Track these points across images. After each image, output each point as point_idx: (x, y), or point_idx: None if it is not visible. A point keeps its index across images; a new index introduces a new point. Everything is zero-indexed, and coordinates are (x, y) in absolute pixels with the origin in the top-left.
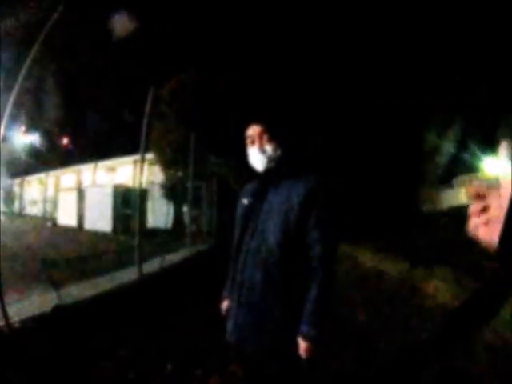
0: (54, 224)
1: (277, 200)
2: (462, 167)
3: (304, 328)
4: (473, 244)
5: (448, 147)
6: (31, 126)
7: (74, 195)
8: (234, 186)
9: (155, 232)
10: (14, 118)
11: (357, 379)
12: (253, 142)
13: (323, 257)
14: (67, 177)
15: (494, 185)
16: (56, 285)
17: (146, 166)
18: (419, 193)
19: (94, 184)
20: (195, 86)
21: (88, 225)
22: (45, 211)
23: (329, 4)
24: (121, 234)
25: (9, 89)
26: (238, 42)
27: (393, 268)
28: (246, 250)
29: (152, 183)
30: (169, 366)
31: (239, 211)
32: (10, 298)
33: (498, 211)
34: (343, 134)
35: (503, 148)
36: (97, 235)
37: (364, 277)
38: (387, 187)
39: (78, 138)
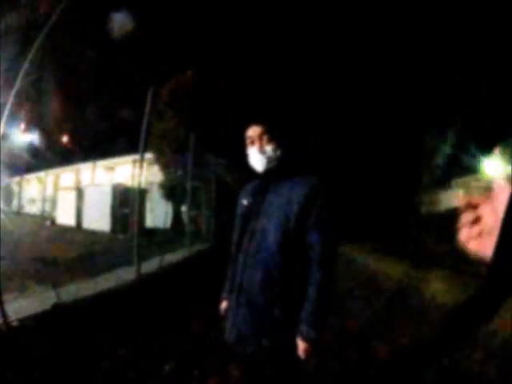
0: (53, 223)
1: (277, 200)
2: (460, 169)
3: (303, 329)
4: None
5: (447, 148)
6: (31, 125)
7: (72, 194)
8: (233, 186)
9: (154, 232)
10: (13, 117)
11: (357, 379)
12: (253, 143)
13: (323, 257)
14: (66, 175)
15: (486, 193)
16: (54, 284)
17: (145, 166)
18: (418, 194)
19: (92, 183)
20: (195, 86)
21: (87, 224)
22: (43, 210)
23: (328, 4)
24: (119, 234)
25: (9, 87)
26: (237, 43)
27: (392, 269)
28: (245, 250)
29: (151, 183)
30: (167, 367)
31: (239, 211)
32: (8, 296)
33: (491, 221)
34: (343, 134)
35: (498, 151)
36: (95, 234)
37: (362, 278)
38: (386, 188)
39: (78, 137)
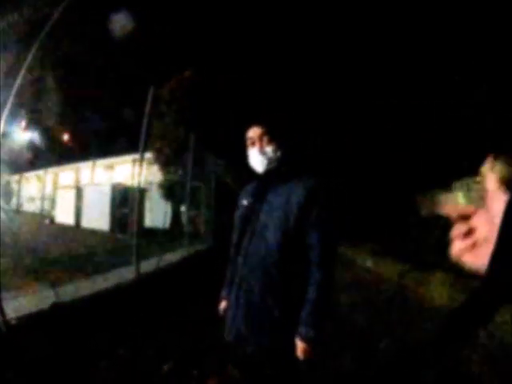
0: (52, 222)
1: (277, 201)
2: (460, 170)
3: (302, 329)
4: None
5: (446, 149)
6: (31, 123)
7: (72, 193)
8: (232, 187)
9: (153, 231)
10: (13, 115)
11: (357, 379)
12: (253, 144)
13: (323, 258)
14: (66, 174)
15: (480, 202)
16: (53, 283)
17: (144, 166)
18: (418, 195)
19: (92, 182)
20: (195, 86)
21: (86, 223)
22: (42, 208)
23: (328, 4)
24: (118, 233)
25: (9, 86)
26: (237, 43)
27: (391, 270)
28: (245, 250)
29: (150, 183)
30: (165, 367)
31: (239, 212)
32: (6, 294)
33: (485, 232)
34: (343, 134)
35: (489, 162)
36: (94, 234)
37: (362, 279)
38: (386, 189)
39: (78, 136)
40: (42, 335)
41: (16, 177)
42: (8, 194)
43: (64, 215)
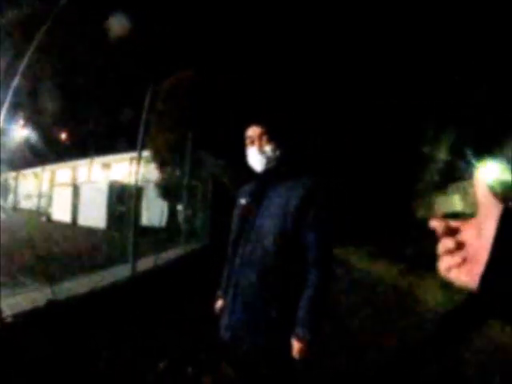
0: (48, 219)
1: (275, 201)
2: (457, 173)
3: (298, 329)
4: None
5: (444, 152)
6: (29, 121)
7: (69, 191)
8: (229, 186)
9: (149, 230)
10: (12, 112)
11: (353, 379)
12: (252, 143)
13: (320, 258)
14: (63, 172)
15: (476, 206)
16: (49, 280)
17: (142, 164)
18: (414, 198)
19: (89, 180)
20: (193, 85)
21: (82, 221)
22: (39, 206)
23: (328, 4)
24: (115, 231)
25: (8, 83)
26: (237, 43)
27: (386, 273)
28: (242, 250)
29: (147, 181)
30: (161, 365)
31: (237, 211)
32: (2, 291)
33: (475, 247)
34: (343, 134)
35: (480, 171)
36: (91, 231)
37: (357, 281)
38: (382, 192)
39: (75, 134)
40: (38, 333)
41: (13, 174)
42: (5, 191)
43: (61, 213)
